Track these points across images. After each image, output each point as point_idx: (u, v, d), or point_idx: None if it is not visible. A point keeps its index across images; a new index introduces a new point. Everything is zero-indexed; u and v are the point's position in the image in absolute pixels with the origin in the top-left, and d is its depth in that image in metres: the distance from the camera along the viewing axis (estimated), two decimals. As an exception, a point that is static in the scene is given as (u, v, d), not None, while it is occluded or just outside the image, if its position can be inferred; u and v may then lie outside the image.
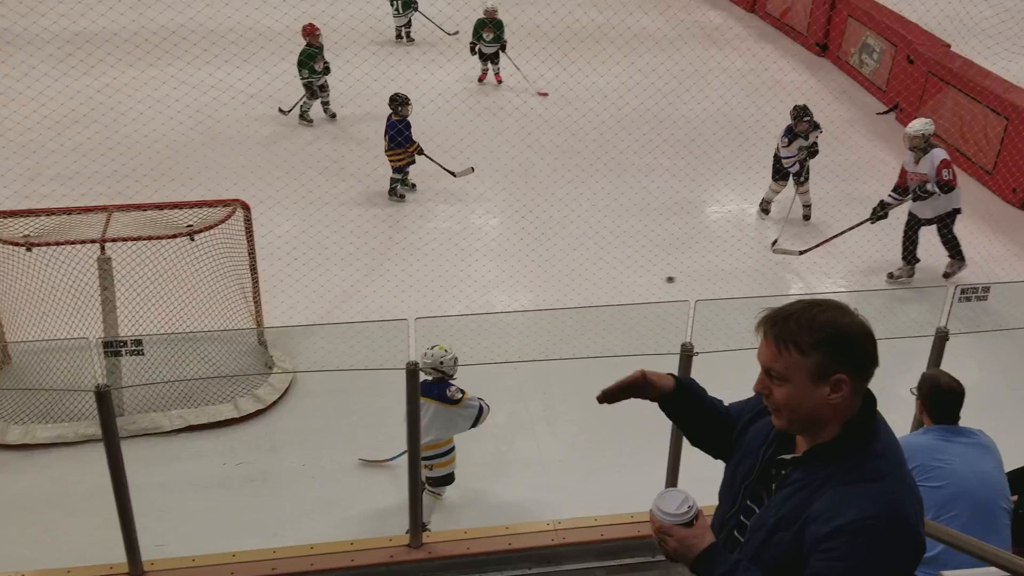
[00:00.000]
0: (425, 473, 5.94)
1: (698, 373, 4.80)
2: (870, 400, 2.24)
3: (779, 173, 9.95)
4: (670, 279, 8.79)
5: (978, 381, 6.04)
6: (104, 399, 4.23)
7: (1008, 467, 4.16)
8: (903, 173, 8.87)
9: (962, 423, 4.10)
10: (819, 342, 2.12)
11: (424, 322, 4.92)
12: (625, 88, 12.50)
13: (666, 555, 2.24)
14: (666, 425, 5.08)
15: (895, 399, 4.57)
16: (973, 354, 7.30)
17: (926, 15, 12.62)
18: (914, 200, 8.62)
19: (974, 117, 11.28)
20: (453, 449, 5.99)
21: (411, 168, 10.35)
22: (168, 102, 10.97)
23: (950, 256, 8.95)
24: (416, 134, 10.26)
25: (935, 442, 3.99)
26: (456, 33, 14.90)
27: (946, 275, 8.95)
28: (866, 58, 14.06)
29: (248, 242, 7.39)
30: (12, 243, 6.64)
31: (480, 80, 13.95)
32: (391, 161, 10.22)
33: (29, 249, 6.64)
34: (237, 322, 7.36)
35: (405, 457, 5.87)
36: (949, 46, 12.64)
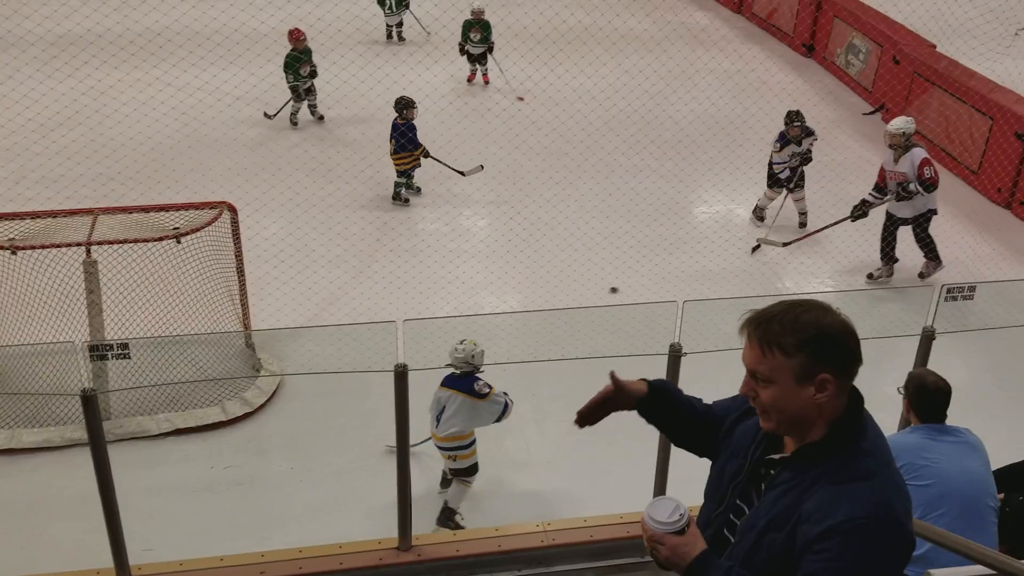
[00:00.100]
0: (449, 464, 6.09)
1: (686, 373, 4.81)
2: (857, 399, 2.25)
3: (772, 180, 9.87)
4: (613, 289, 8.63)
5: (964, 380, 6.07)
6: (90, 403, 4.20)
7: (994, 465, 4.18)
8: (882, 172, 8.85)
9: (949, 422, 4.11)
10: (802, 343, 2.13)
11: (412, 324, 4.90)
12: (612, 89, 12.52)
13: (658, 563, 2.25)
14: (654, 427, 5.08)
15: (882, 398, 4.59)
16: (959, 353, 7.35)
17: (912, 16, 12.69)
18: (897, 200, 8.64)
19: (959, 117, 11.34)
20: (475, 441, 6.07)
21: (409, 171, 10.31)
22: (154, 104, 10.93)
23: (926, 257, 8.94)
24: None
25: (922, 441, 4.00)
26: (428, 34, 15.13)
27: (922, 275, 8.96)
28: (852, 59, 14.12)
29: (235, 244, 7.37)
30: (-3, 246, 6.60)
31: (469, 80, 13.96)
32: (396, 165, 10.19)
33: (14, 252, 6.60)
34: (224, 325, 7.33)
35: (423, 448, 5.91)
36: (935, 46, 12.70)
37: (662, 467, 5.12)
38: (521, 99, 12.85)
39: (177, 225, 6.92)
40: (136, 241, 6.73)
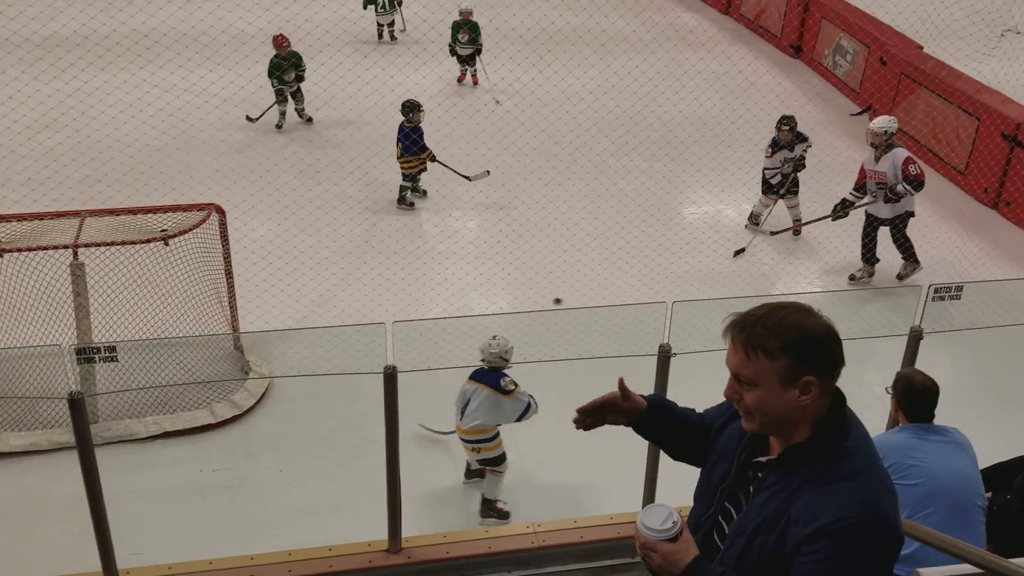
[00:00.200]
0: (474, 457, 6.15)
1: (676, 374, 4.82)
2: (839, 398, 2.26)
3: (766, 185, 9.77)
4: (557, 300, 8.44)
5: (952, 379, 6.10)
6: (77, 407, 4.18)
7: (982, 464, 4.20)
8: (862, 171, 8.83)
9: (936, 421, 4.13)
10: (786, 346, 2.13)
11: (402, 326, 4.89)
12: (601, 91, 12.54)
13: (651, 571, 2.25)
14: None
15: (870, 398, 4.62)
16: (947, 353, 7.38)
17: (899, 17, 12.76)
18: (886, 202, 8.62)
19: (946, 118, 11.40)
20: (499, 434, 6.12)
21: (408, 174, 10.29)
22: (141, 106, 10.89)
23: (904, 258, 8.94)
24: (393, 137, 10.23)
25: (910, 440, 4.02)
26: (403, 29, 15.51)
27: (900, 277, 8.97)
28: (840, 60, 14.18)
29: (223, 246, 7.34)
30: (-17, 249, 6.56)
31: (459, 81, 13.97)
32: (403, 168, 10.16)
33: (0, 255, 6.55)
34: (213, 327, 7.30)
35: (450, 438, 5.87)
36: (921, 48, 12.77)
37: (652, 468, 5.13)
38: (498, 103, 12.87)
39: (165, 227, 6.89)
40: (124, 243, 6.70)
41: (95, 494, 4.39)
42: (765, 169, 9.71)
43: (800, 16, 15.26)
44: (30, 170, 10.28)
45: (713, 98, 12.72)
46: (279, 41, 11.73)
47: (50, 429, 6.69)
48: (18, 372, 6.93)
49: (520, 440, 6.88)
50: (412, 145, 9.93)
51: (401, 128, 10.03)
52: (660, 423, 2.65)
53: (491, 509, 6.19)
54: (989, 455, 4.48)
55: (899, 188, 8.49)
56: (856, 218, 9.08)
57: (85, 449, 4.28)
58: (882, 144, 8.53)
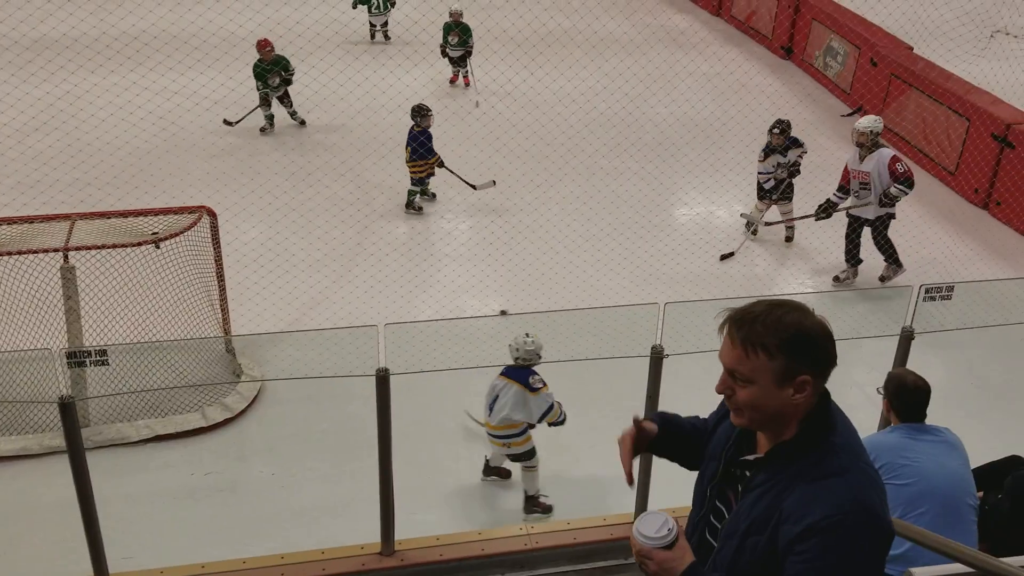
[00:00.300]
0: (504, 451, 6.18)
1: (668, 375, 4.82)
2: (824, 394, 2.27)
3: (761, 191, 9.69)
4: (503, 312, 8.19)
5: (943, 379, 6.12)
6: (68, 411, 4.17)
7: (973, 464, 4.21)
8: (846, 172, 8.79)
9: (928, 421, 4.14)
10: (785, 344, 2.13)
11: (394, 328, 4.89)
12: (593, 92, 12.56)
13: None
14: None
15: (861, 398, 4.63)
16: (938, 353, 7.40)
17: (889, 18, 12.81)
18: (881, 207, 8.59)
19: (936, 119, 11.44)
20: (527, 429, 6.14)
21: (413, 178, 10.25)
22: (131, 108, 10.85)
23: (886, 261, 8.92)
24: (385, 139, 10.22)
25: (902, 440, 4.03)
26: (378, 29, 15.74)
27: (882, 279, 8.96)
28: (830, 61, 14.22)
29: (214, 249, 7.33)
30: (-28, 253, 6.53)
31: (451, 82, 13.98)
32: (412, 172, 10.14)
33: (-10, 259, 6.53)
34: (204, 330, 7.28)
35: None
36: (912, 49, 12.82)
37: (645, 470, 5.13)
38: (477, 104, 12.91)
39: (156, 230, 6.87)
40: (114, 246, 6.67)
41: (86, 498, 4.38)
42: (759, 174, 9.65)
43: (791, 18, 15.30)
44: (20, 173, 10.24)
45: (704, 99, 12.74)
46: (262, 46, 11.68)
47: (41, 433, 6.66)
48: (8, 376, 6.90)
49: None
50: (420, 148, 9.91)
51: (410, 132, 10.01)
52: (672, 439, 2.68)
53: (534, 504, 6.23)
54: (980, 455, 4.49)
55: (892, 190, 8.45)
56: (844, 219, 9.09)
57: (76, 453, 4.27)
58: (868, 144, 8.52)
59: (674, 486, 5.37)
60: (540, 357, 6.04)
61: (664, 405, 4.95)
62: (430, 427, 6.96)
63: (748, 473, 2.31)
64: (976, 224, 10.39)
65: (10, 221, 6.94)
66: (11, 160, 10.48)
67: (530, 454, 6.17)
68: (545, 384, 6.02)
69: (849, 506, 2.09)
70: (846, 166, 8.81)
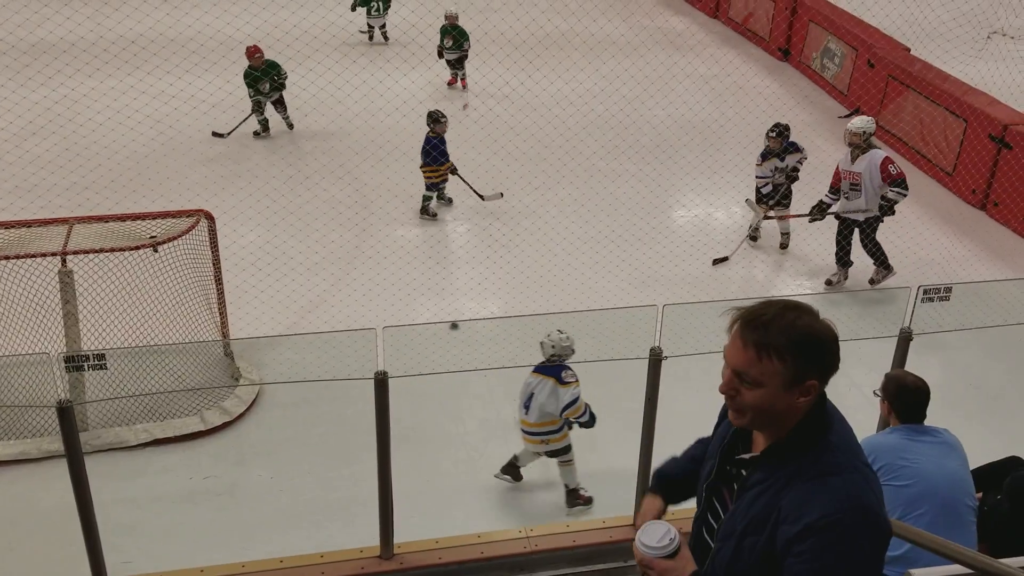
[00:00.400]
0: (542, 449, 6.23)
1: (667, 377, 4.82)
2: (821, 393, 2.26)
3: (759, 195, 9.63)
4: (453, 326, 7.65)
5: (941, 380, 6.13)
6: (66, 415, 4.16)
7: (972, 465, 4.21)
8: (837, 173, 8.77)
9: (927, 422, 4.14)
10: (798, 350, 2.12)
11: (392, 331, 4.89)
12: (590, 95, 12.56)
13: None
14: (636, 431, 5.10)
15: (860, 399, 4.63)
16: (936, 354, 7.41)
17: (886, 20, 12.83)
18: (883, 215, 8.56)
19: (934, 120, 11.46)
20: (564, 425, 6.19)
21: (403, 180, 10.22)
22: (128, 112, 10.85)
23: (876, 264, 8.89)
24: (383, 142, 10.21)
25: (901, 441, 4.03)
26: (366, 31, 15.75)
27: (872, 282, 8.94)
28: (827, 62, 14.23)
29: (212, 253, 7.32)
30: (-30, 257, 6.52)
31: (449, 84, 13.99)
32: (425, 178, 10.12)
33: (-12, 263, 6.52)
34: (202, 334, 7.27)
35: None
36: (909, 50, 12.84)
37: (643, 472, 5.12)
38: (465, 107, 12.93)
39: (154, 234, 6.87)
40: (112, 250, 6.66)
41: (85, 502, 4.37)
42: (756, 178, 9.60)
43: (788, 19, 15.32)
44: (17, 177, 10.23)
45: (702, 101, 12.74)
46: (251, 53, 11.61)
47: (39, 437, 6.66)
48: (6, 380, 6.89)
49: (512, 445, 6.87)
50: (432, 151, 9.89)
51: (426, 137, 10.01)
52: (679, 489, 2.72)
53: (576, 497, 6.27)
54: (979, 456, 4.50)
55: (889, 194, 8.44)
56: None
57: (75, 457, 4.26)
58: (860, 144, 8.50)
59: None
60: (574, 352, 6.12)
61: (663, 407, 4.96)
62: (429, 430, 6.96)
63: (744, 472, 2.31)
64: (974, 225, 10.40)
65: (8, 225, 6.93)
66: (8, 164, 10.48)
67: (567, 449, 6.24)
68: (577, 380, 6.07)
69: (847, 505, 2.10)
70: (837, 167, 8.80)
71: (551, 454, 6.27)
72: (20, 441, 6.67)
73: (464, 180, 10.11)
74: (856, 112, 12.92)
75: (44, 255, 6.60)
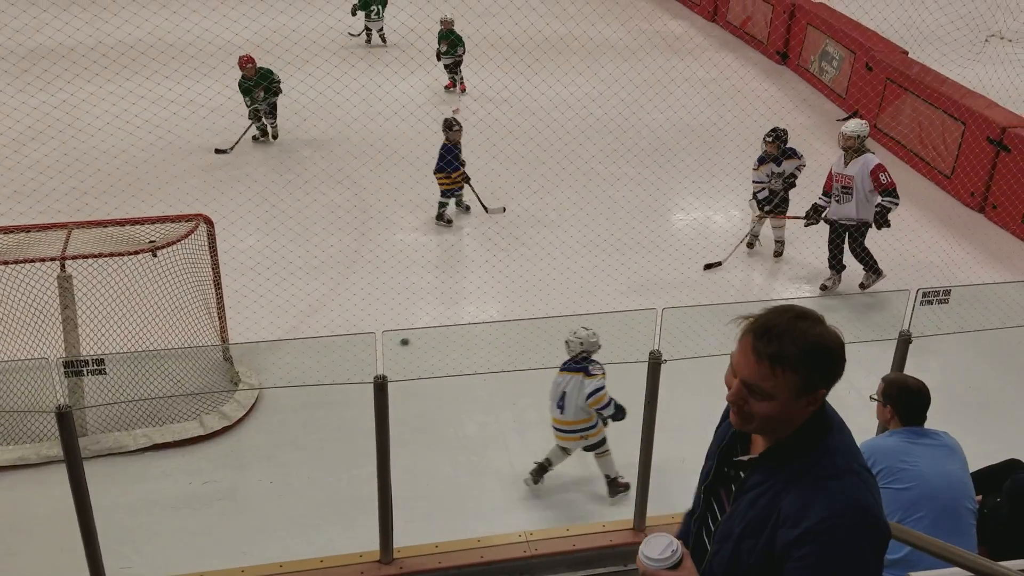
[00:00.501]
0: (581, 445, 6.31)
1: (666, 380, 4.82)
2: None
3: (755, 200, 9.51)
4: (404, 341, 6.81)
5: (940, 383, 6.13)
6: (65, 420, 4.16)
7: (972, 468, 4.21)
8: (830, 176, 8.75)
9: (926, 425, 4.14)
10: (812, 361, 2.11)
11: (392, 335, 4.89)
12: (589, 98, 12.57)
13: None
14: (636, 435, 5.09)
15: (860, 402, 4.62)
16: (935, 356, 7.41)
17: (884, 23, 12.85)
18: (878, 228, 8.55)
19: (932, 122, 11.47)
20: (600, 420, 6.28)
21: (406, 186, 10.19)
22: (127, 117, 10.85)
23: (864, 269, 8.86)
24: (382, 146, 10.21)
25: (901, 444, 4.03)
26: (356, 35, 15.75)
27: (862, 286, 8.91)
28: (826, 66, 14.25)
29: (211, 257, 7.32)
30: (-31, 262, 6.51)
31: (446, 88, 14.02)
32: (439, 185, 10.10)
33: (-13, 268, 6.52)
34: (201, 338, 7.27)
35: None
36: (907, 53, 12.85)
37: (644, 476, 5.12)
38: (455, 111, 12.94)
39: (153, 238, 6.87)
40: (111, 255, 6.67)
41: (84, 507, 4.37)
42: (753, 183, 9.53)
43: (786, 23, 15.34)
44: (16, 182, 10.23)
45: (700, 105, 12.75)
46: (244, 63, 11.58)
47: (38, 443, 6.65)
48: (5, 385, 6.88)
49: (512, 449, 6.87)
50: (441, 160, 9.88)
51: (442, 144, 10.00)
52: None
53: (617, 486, 6.34)
54: (979, 458, 4.49)
55: (885, 203, 8.43)
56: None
57: (74, 462, 4.26)
58: (854, 147, 8.50)
59: (672, 494, 5.38)
60: (600, 346, 6.20)
61: (662, 410, 4.97)
62: (429, 434, 6.95)
63: (742, 474, 2.31)
64: (972, 228, 10.40)
65: (7, 230, 6.94)
66: (7, 169, 10.47)
67: (603, 442, 6.33)
68: (603, 372, 6.13)
69: (846, 508, 2.10)
70: (831, 170, 8.79)
71: (588, 448, 6.37)
72: (19, 446, 6.66)
73: (474, 190, 10.12)
74: (855, 115, 12.94)
75: (43, 260, 6.60)
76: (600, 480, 6.40)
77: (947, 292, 5.11)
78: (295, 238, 9.52)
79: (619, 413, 6.21)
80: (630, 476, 5.29)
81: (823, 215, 8.86)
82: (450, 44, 13.54)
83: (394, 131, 11.19)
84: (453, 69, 13.81)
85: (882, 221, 8.51)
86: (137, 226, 7.06)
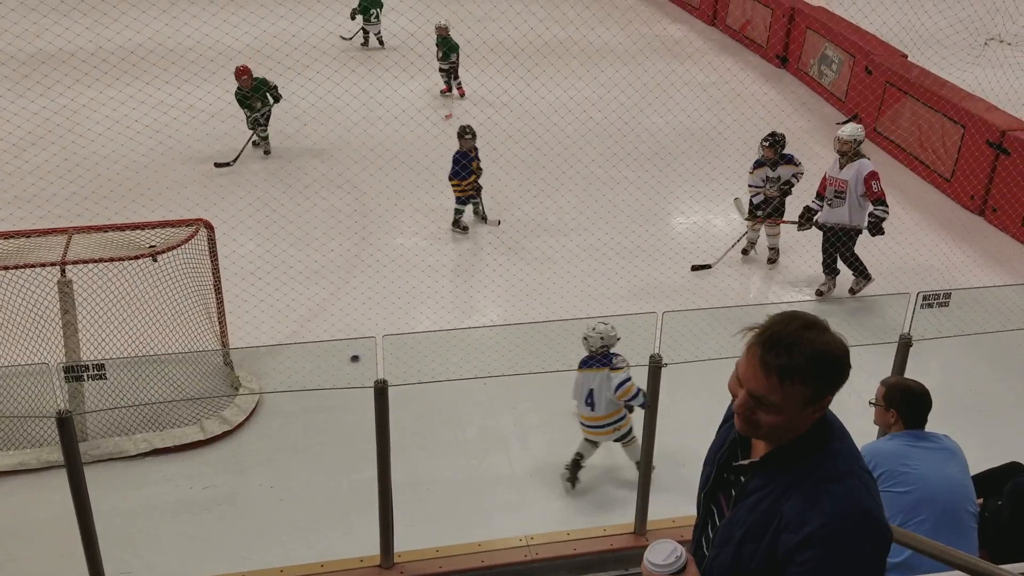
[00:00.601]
0: (613, 437, 6.44)
1: (667, 384, 4.82)
2: None
3: (752, 206, 9.44)
4: (354, 358, 6.32)
5: (941, 386, 6.13)
6: (66, 425, 4.16)
7: (973, 471, 4.21)
8: (824, 180, 8.73)
9: (927, 428, 4.14)
10: (821, 372, 2.10)
11: (392, 339, 4.89)
12: (589, 103, 12.58)
13: None
14: (636, 437, 5.07)
15: (860, 404, 4.62)
16: (935, 359, 7.41)
17: (883, 27, 12.85)
18: (873, 235, 8.54)
19: (931, 126, 11.48)
20: (627, 411, 6.36)
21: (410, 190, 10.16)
22: (127, 122, 10.87)
23: (854, 274, 8.83)
24: (381, 150, 10.21)
25: (902, 447, 4.03)
26: (348, 39, 15.75)
27: (852, 291, 8.89)
28: (825, 69, 14.26)
29: (212, 262, 7.32)
30: (-31, 268, 6.52)
31: (442, 92, 14.05)
32: (454, 192, 10.10)
33: (-12, 273, 6.52)
34: (202, 343, 7.27)
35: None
36: (906, 56, 12.86)
37: (644, 480, 5.12)
38: (447, 117, 12.96)
39: (153, 243, 6.87)
40: (111, 260, 6.67)
41: (84, 513, 4.37)
42: (749, 187, 9.49)
43: (785, 27, 15.37)
44: (17, 187, 10.24)
45: (700, 109, 12.78)
46: (239, 74, 11.52)
47: (38, 448, 6.65)
48: (6, 391, 6.88)
49: (512, 453, 6.87)
50: (457, 162, 9.87)
51: (456, 151, 10.01)
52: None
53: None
54: (979, 462, 4.49)
55: (878, 212, 8.41)
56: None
57: (74, 467, 4.26)
58: (849, 152, 8.48)
59: (673, 498, 5.38)
60: (619, 338, 6.24)
61: (663, 414, 4.97)
62: (429, 438, 6.95)
63: (743, 478, 2.30)
64: (972, 231, 10.40)
65: (7, 235, 6.94)
66: (8, 174, 10.49)
67: (631, 430, 6.39)
68: (628, 364, 6.14)
69: (848, 513, 2.10)
70: (825, 174, 8.77)
71: (618, 439, 6.44)
72: (19, 451, 6.66)
73: (480, 201, 10.13)
74: (854, 118, 12.95)
75: (43, 265, 6.59)
76: (603, 486, 6.40)
77: (947, 295, 5.11)
78: (295, 243, 9.52)
79: (646, 400, 6.20)
80: (632, 480, 5.29)
81: (815, 219, 8.85)
82: (445, 51, 13.59)
83: (394, 135, 11.19)
84: (451, 73, 13.86)
85: (875, 230, 8.52)
86: (137, 231, 7.06)
